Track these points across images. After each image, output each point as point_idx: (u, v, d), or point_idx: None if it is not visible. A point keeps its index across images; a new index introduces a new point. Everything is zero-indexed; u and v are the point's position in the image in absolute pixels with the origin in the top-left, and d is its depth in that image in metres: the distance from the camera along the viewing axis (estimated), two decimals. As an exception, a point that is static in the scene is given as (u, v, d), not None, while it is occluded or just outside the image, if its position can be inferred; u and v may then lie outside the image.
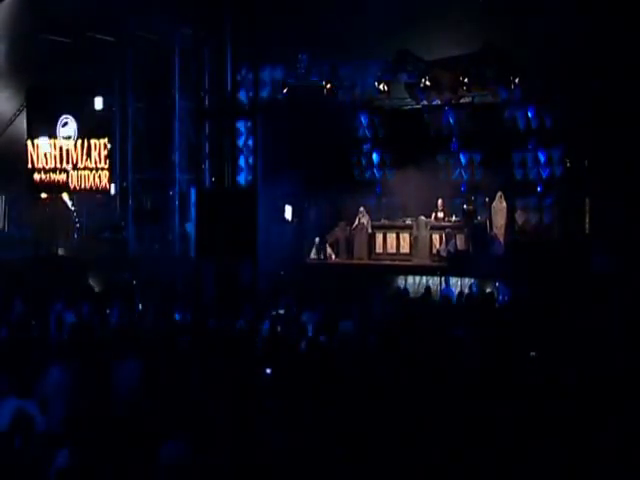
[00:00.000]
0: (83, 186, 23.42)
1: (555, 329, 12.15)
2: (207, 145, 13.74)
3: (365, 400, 8.58)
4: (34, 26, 22.73)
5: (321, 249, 22.12)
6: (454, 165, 22.20)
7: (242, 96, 17.40)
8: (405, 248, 21.76)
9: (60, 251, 23.43)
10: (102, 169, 23.11)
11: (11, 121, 24.18)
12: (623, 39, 17.38)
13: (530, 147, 20.84)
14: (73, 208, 24.22)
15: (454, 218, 21.48)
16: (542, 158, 20.66)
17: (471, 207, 21.06)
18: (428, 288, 18.07)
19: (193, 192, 17.76)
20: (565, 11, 18.00)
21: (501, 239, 20.93)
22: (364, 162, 23.57)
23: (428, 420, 8.18)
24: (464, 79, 20.71)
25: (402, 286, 19.52)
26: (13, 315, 13.12)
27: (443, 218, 21.50)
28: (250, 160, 20.87)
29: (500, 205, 21.05)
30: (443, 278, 19.27)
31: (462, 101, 21.68)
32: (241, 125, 18.74)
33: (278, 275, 19.14)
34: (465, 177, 22.13)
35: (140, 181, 23.18)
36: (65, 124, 23.61)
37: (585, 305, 14.18)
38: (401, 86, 21.71)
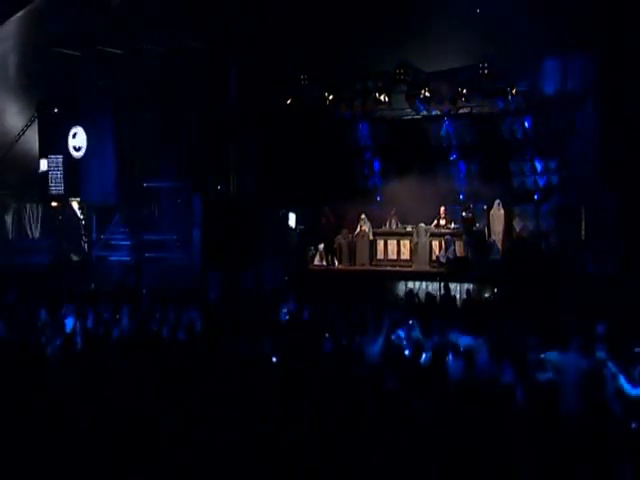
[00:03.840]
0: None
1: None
2: (213, 155, 13.78)
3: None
4: (44, 40, 22.81)
5: (324, 256, 22.17)
6: (453, 174, 22.26)
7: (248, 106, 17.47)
8: (405, 254, 21.79)
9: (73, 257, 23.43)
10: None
11: (23, 131, 24.22)
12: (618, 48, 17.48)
13: (527, 156, 20.90)
14: (82, 216, 24.25)
15: (453, 225, 21.54)
16: (539, 167, 20.72)
17: (470, 214, 21.09)
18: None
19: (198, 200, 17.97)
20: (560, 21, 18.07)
21: (499, 245, 20.97)
22: (366, 171, 23.63)
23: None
24: (463, 90, 20.81)
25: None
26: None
27: (444, 225, 21.55)
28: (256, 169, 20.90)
29: (498, 212, 21.09)
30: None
31: (461, 112, 21.75)
32: (246, 135, 18.78)
33: (282, 281, 19.19)
34: (464, 185, 22.17)
35: (148, 189, 23.21)
36: (75, 135, 23.67)
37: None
38: (401, 97, 21.78)
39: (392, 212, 22.03)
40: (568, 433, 8.18)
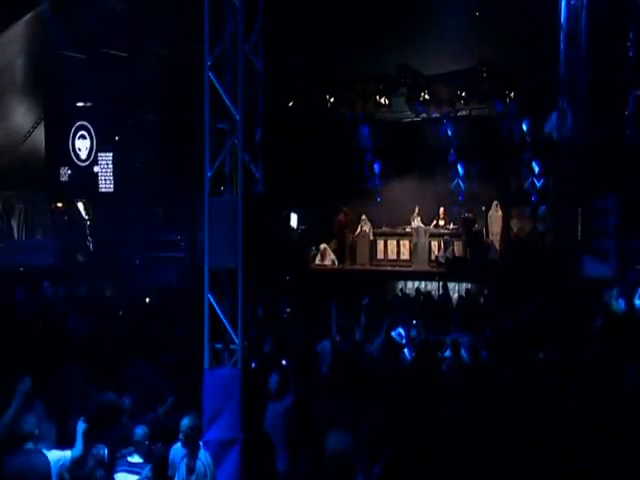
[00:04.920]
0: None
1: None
2: (217, 156, 13.65)
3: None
4: (51, 43, 22.75)
5: (330, 254, 22.09)
6: (452, 175, 22.20)
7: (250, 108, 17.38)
8: (405, 254, 21.75)
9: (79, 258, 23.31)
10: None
11: (30, 133, 24.15)
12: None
13: (525, 158, 20.84)
14: (87, 217, 24.17)
15: (452, 226, 21.49)
16: (536, 168, 20.66)
17: (470, 215, 21.04)
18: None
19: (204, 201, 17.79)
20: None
21: (497, 246, 20.92)
22: (366, 172, 23.57)
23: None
24: (462, 93, 20.82)
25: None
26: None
27: (443, 226, 21.50)
28: (258, 170, 20.79)
29: (496, 214, 21.05)
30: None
31: (460, 114, 21.72)
32: (250, 137, 18.68)
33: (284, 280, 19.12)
34: (463, 187, 22.12)
35: (153, 190, 23.13)
36: (81, 137, 23.62)
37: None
38: (401, 99, 21.74)
39: (416, 211, 21.75)
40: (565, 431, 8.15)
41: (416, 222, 21.68)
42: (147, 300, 15.71)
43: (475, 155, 21.74)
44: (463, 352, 10.44)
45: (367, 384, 9.17)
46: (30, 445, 6.63)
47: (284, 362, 9.73)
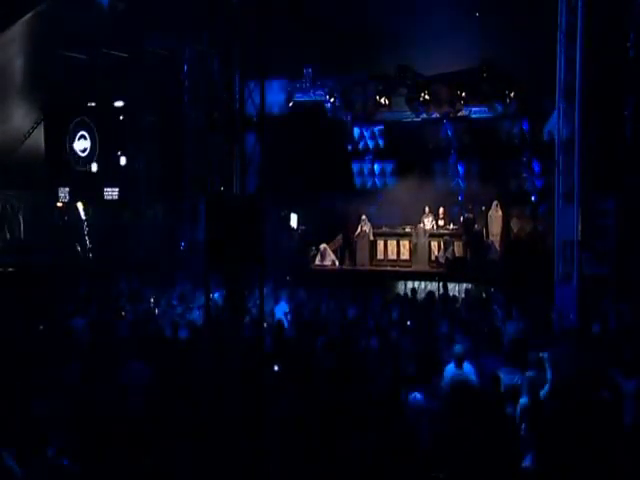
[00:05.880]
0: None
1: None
2: (216, 156, 13.67)
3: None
4: (51, 43, 22.76)
5: (325, 255, 22.07)
6: (452, 175, 22.20)
7: (249, 109, 17.38)
8: (405, 254, 21.72)
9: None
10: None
11: (29, 133, 24.15)
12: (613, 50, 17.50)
13: (525, 158, 20.85)
14: (85, 217, 24.18)
15: (452, 226, 21.49)
16: (536, 169, 20.67)
17: (471, 215, 21.03)
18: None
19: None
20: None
21: (497, 246, 20.92)
22: (366, 172, 23.57)
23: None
24: (462, 93, 20.82)
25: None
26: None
27: (443, 225, 21.50)
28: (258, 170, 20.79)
29: (496, 214, 21.05)
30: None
31: (460, 114, 21.71)
32: (249, 137, 18.69)
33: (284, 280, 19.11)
34: (462, 187, 22.11)
35: (152, 191, 23.18)
36: (81, 137, 23.63)
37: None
38: (401, 100, 21.76)
39: (426, 211, 21.65)
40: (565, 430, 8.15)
41: (427, 222, 21.53)
42: (152, 300, 15.72)
43: (475, 155, 21.74)
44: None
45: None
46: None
47: (282, 363, 9.75)
